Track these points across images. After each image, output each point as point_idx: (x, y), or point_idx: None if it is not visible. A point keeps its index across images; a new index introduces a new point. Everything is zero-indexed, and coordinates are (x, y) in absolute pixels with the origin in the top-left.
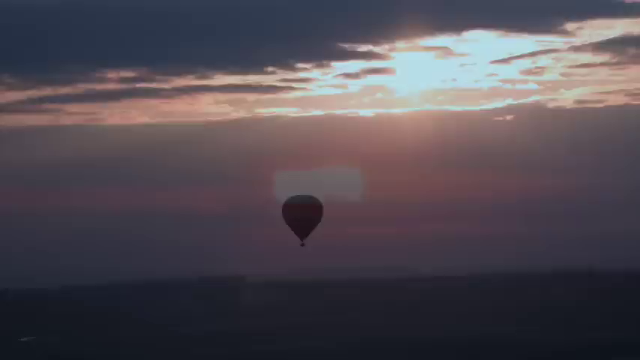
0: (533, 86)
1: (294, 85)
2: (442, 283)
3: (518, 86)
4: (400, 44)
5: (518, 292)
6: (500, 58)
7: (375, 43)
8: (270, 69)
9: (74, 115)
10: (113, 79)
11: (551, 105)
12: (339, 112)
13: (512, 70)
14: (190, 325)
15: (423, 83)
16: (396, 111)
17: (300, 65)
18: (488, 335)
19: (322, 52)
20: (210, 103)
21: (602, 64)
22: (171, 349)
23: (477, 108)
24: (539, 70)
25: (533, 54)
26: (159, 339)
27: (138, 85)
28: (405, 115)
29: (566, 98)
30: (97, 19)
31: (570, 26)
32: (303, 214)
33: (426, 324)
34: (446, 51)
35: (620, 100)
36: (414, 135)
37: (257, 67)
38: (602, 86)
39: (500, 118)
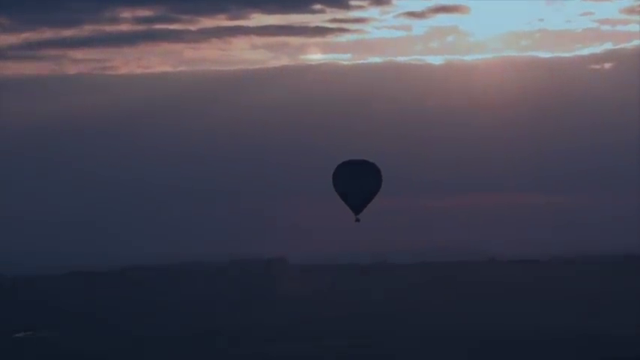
0: (636, 27)
1: (346, 26)
2: (522, 267)
3: (619, 27)
4: None
5: (615, 278)
6: None
7: None
8: (317, 7)
9: (80, 62)
10: (127, 19)
11: None
12: (401, 59)
13: (611, 9)
14: (219, 317)
15: (502, 24)
16: (471, 58)
17: (354, 2)
18: (577, 330)
19: None
20: (246, 48)
21: None
22: (194, 347)
23: (569, 54)
24: None
25: None
26: (180, 334)
27: (157, 27)
28: (481, 63)
29: None
30: None
31: None
32: (357, 183)
33: (499, 313)
34: None
35: None
36: (492, 86)
37: (302, 4)
38: None
39: (597, 66)
